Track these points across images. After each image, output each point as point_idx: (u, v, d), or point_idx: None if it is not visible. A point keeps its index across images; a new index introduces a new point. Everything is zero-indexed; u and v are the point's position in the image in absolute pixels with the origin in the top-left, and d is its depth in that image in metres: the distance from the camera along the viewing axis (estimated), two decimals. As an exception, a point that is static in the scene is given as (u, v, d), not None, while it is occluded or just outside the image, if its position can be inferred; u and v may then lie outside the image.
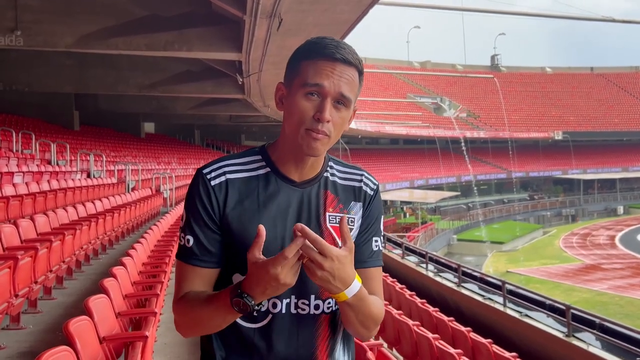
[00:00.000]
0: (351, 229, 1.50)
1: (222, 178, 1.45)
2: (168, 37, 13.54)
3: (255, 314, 1.35)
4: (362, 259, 1.51)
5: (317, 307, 1.47)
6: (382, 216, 1.59)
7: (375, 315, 1.45)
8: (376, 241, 1.55)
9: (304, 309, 1.46)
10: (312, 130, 1.38)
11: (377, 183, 1.58)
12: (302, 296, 1.45)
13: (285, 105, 1.44)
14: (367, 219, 1.54)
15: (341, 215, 1.48)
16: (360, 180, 1.55)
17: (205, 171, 1.46)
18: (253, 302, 1.30)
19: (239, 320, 1.42)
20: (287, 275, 1.27)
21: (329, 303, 1.48)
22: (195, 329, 1.44)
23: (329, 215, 1.48)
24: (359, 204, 1.53)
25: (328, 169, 1.53)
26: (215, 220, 1.43)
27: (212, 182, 1.44)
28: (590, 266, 28.80)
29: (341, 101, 1.40)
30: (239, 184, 1.45)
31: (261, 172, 1.47)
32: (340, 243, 1.42)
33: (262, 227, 1.30)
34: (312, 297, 1.46)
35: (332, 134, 1.40)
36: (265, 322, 1.44)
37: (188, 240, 1.44)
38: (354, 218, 1.51)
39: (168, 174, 19.38)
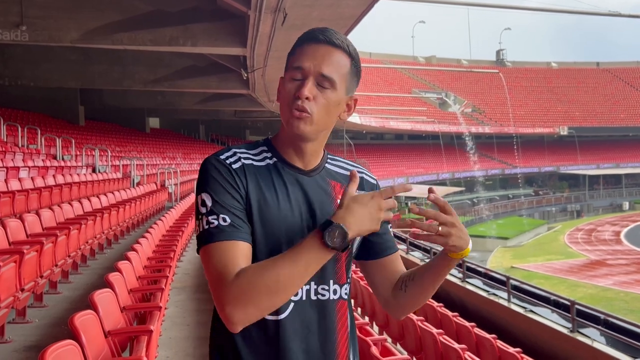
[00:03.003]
0: None
1: (239, 163, 1.45)
2: (173, 32, 13.55)
3: (344, 251, 1.33)
4: (390, 246, 1.61)
5: (335, 292, 1.49)
6: None
7: None
8: (390, 227, 1.63)
9: (324, 295, 1.47)
10: (295, 109, 1.41)
11: (375, 177, 1.65)
12: (322, 281, 1.47)
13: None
14: None
15: None
16: (361, 172, 1.60)
17: (222, 157, 1.45)
18: (347, 231, 1.29)
19: None
20: (387, 211, 1.32)
21: (345, 288, 1.51)
22: (263, 297, 1.30)
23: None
24: (363, 192, 1.55)
25: (329, 160, 1.57)
26: (243, 199, 1.42)
27: (233, 166, 1.43)
28: (596, 262, 28.73)
29: (324, 82, 1.41)
30: (254, 171, 1.46)
31: (269, 162, 1.49)
32: None
33: (355, 173, 1.36)
34: (331, 282, 1.48)
35: (315, 114, 1.41)
36: (287, 312, 1.43)
37: (224, 219, 1.37)
38: None
39: (173, 169, 19.42)
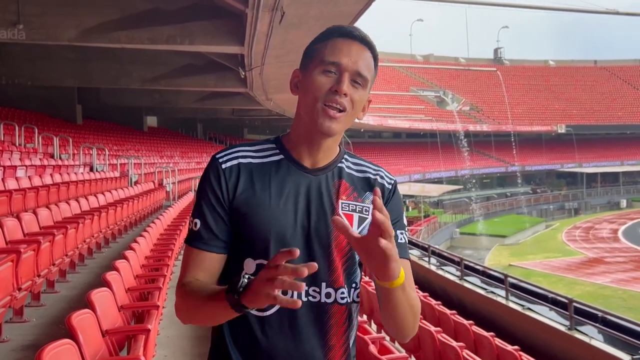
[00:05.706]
0: (365, 219, 1.47)
1: (234, 162, 1.45)
2: (170, 30, 13.51)
3: (239, 311, 1.25)
4: None
5: (328, 295, 1.44)
6: (404, 213, 1.57)
7: (418, 302, 1.44)
8: (401, 233, 1.51)
9: (315, 297, 1.43)
10: (330, 104, 1.38)
11: (394, 178, 1.58)
12: (313, 283, 1.42)
13: (301, 88, 1.44)
14: (389, 213, 1.51)
15: (355, 203, 1.47)
16: (376, 174, 1.54)
17: (218, 155, 1.47)
18: (240, 303, 1.22)
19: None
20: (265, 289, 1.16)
21: (342, 293, 1.45)
22: (193, 318, 1.44)
23: (342, 203, 1.47)
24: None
25: (343, 160, 1.52)
26: (224, 205, 1.43)
27: (224, 166, 1.44)
28: (593, 259, 28.78)
29: (358, 80, 1.40)
30: (251, 169, 1.45)
31: (274, 158, 1.48)
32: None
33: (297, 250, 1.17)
34: (323, 284, 1.43)
35: (349, 112, 1.40)
36: (273, 310, 1.41)
37: (196, 224, 1.44)
38: (368, 207, 1.49)
39: (171, 167, 19.40)
